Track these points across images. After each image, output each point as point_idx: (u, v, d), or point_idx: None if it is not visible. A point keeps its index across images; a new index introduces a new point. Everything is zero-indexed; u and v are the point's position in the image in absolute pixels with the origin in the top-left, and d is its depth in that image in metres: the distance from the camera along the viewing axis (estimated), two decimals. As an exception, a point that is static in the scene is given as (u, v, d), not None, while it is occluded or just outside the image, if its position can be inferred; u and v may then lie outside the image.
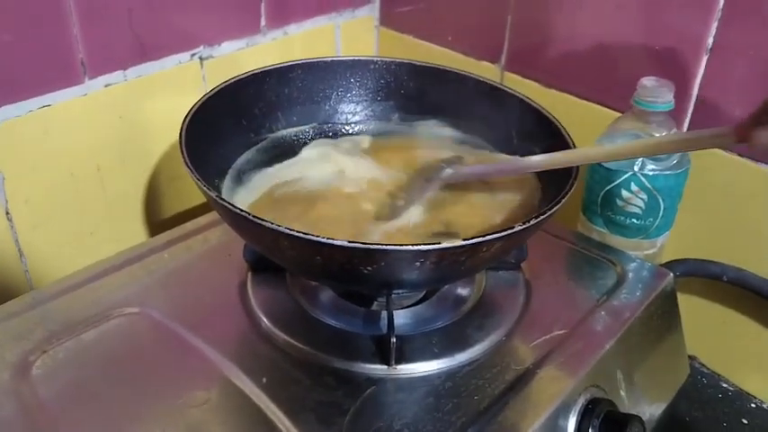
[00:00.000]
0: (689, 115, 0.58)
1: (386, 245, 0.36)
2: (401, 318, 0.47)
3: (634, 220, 0.56)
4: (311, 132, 0.59)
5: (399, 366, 0.43)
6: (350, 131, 0.60)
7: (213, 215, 0.58)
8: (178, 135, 0.45)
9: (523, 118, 0.53)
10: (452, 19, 0.73)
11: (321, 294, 0.49)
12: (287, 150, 0.57)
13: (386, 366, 0.43)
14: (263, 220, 0.37)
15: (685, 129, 0.58)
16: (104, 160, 0.61)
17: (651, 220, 0.56)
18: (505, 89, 0.55)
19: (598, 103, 0.63)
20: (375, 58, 0.59)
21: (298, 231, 0.37)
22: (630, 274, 0.53)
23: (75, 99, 0.57)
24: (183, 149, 0.43)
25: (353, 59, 0.59)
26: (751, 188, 0.56)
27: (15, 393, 0.41)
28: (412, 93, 0.60)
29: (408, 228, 0.48)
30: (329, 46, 0.77)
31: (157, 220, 0.68)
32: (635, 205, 0.56)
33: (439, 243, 0.36)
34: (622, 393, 0.48)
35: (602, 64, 0.62)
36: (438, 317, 0.48)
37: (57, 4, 0.53)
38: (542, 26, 0.65)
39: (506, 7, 0.67)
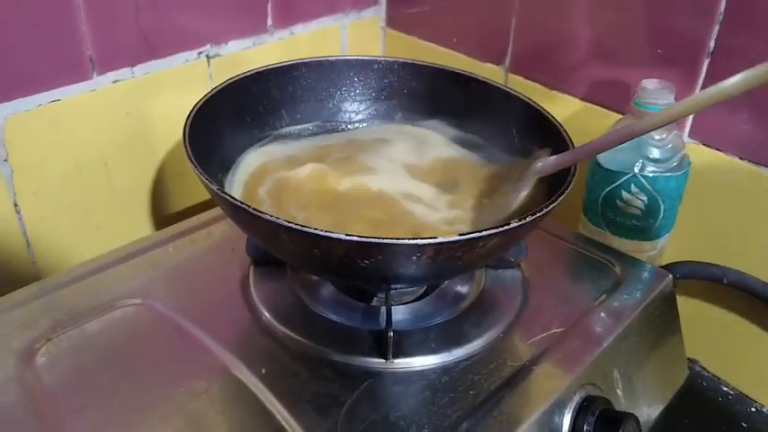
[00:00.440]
0: (690, 117, 0.58)
1: (383, 238, 0.36)
2: (400, 313, 0.48)
3: (634, 222, 0.56)
4: (314, 130, 0.59)
5: (396, 360, 0.44)
6: (352, 130, 0.60)
7: (217, 211, 0.59)
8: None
9: (525, 119, 0.54)
10: (458, 21, 0.73)
11: (322, 289, 0.50)
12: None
13: (383, 360, 0.44)
14: (262, 212, 0.38)
15: (686, 130, 0.58)
16: (111, 155, 0.62)
17: (651, 221, 0.56)
18: (508, 90, 0.55)
19: (600, 105, 0.63)
20: (379, 58, 0.60)
21: (296, 224, 0.37)
22: (630, 275, 0.53)
23: (84, 94, 0.58)
24: (187, 144, 0.44)
25: (357, 59, 0.60)
26: (752, 191, 0.56)
27: (20, 380, 0.42)
28: (415, 92, 0.60)
29: None
30: (335, 46, 0.77)
31: (163, 216, 0.68)
32: (635, 207, 0.56)
33: (435, 237, 0.37)
34: (619, 392, 0.48)
35: (605, 66, 0.62)
36: (436, 313, 0.48)
37: (66, 2, 0.54)
38: (546, 28, 0.66)
39: (511, 10, 0.68)
